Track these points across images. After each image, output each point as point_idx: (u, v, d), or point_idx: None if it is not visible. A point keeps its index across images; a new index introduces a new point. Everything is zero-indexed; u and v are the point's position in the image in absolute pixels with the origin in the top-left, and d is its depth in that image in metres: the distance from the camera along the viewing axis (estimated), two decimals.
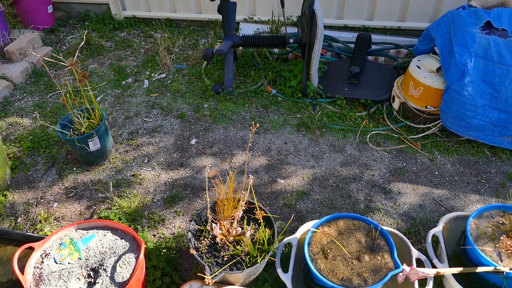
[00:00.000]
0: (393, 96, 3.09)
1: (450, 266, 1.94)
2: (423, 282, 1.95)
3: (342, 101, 3.21)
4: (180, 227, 2.40)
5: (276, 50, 3.83)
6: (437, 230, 2.09)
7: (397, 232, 2.06)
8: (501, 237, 1.80)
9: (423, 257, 1.97)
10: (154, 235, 2.37)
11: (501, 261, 1.80)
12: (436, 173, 2.69)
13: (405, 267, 1.12)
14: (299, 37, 3.26)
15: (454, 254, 2.07)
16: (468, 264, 1.93)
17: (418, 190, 2.58)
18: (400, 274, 1.12)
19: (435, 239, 2.16)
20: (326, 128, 3.03)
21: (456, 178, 2.65)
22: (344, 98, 3.22)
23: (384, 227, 1.99)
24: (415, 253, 1.98)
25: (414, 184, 2.62)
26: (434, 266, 1.99)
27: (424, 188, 2.59)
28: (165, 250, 2.25)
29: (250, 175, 1.82)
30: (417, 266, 1.75)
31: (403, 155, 2.81)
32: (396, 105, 3.07)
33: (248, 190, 1.82)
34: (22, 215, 2.55)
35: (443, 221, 2.14)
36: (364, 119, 3.07)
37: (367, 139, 2.93)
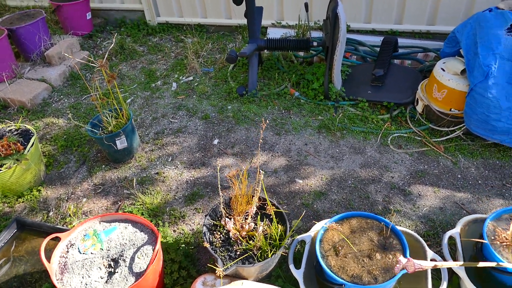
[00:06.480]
0: (417, 99, 3.06)
1: (467, 268, 1.91)
2: (437, 283, 1.94)
3: (365, 103, 3.21)
4: (199, 224, 2.49)
5: (301, 54, 3.87)
6: (455, 232, 2.06)
7: (412, 232, 2.05)
8: (497, 229, 1.76)
9: (438, 258, 1.95)
10: (174, 231, 2.46)
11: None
12: (459, 176, 2.64)
13: (401, 258, 1.13)
14: (323, 40, 3.29)
15: (471, 257, 2.03)
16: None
17: (439, 193, 2.54)
18: (397, 265, 1.13)
19: (452, 241, 2.13)
20: (347, 130, 3.04)
21: (479, 181, 2.59)
22: (366, 101, 3.22)
23: (399, 227, 1.99)
24: (430, 254, 1.96)
25: (435, 187, 2.58)
26: (448, 268, 1.96)
27: (446, 191, 2.55)
28: (183, 245, 2.33)
29: (262, 171, 1.87)
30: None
31: (425, 158, 2.78)
32: (419, 108, 3.04)
33: (260, 186, 1.88)
34: (54, 209, 2.72)
35: (461, 223, 2.10)
36: (386, 122, 3.05)
37: (389, 142, 2.91)
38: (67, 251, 2.00)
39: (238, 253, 1.93)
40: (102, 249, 2.00)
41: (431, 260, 1.95)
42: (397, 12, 3.91)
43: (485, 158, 2.73)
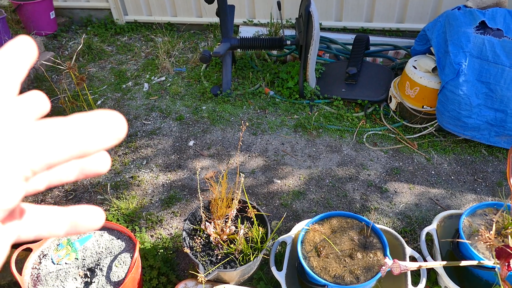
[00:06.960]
0: (390, 96, 3.11)
1: None
2: (416, 279, 1.97)
3: (339, 102, 3.23)
4: (177, 228, 2.43)
5: (274, 52, 3.86)
6: (431, 228, 2.09)
7: (391, 230, 2.07)
8: (480, 230, 1.80)
9: (416, 255, 1.98)
10: (151, 236, 2.40)
11: (494, 257, 1.81)
12: (433, 172, 2.69)
13: (387, 260, 1.14)
14: (296, 38, 3.28)
15: (448, 252, 2.07)
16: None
17: (414, 190, 2.58)
18: (383, 267, 1.14)
19: (429, 237, 2.17)
20: (323, 128, 3.05)
21: (452, 177, 2.65)
22: (341, 99, 3.24)
23: (378, 225, 2.01)
24: (409, 251, 1.99)
25: (410, 183, 2.62)
26: None
27: (420, 188, 2.60)
28: (162, 250, 2.28)
29: (242, 174, 1.84)
30: None
31: (400, 155, 2.82)
32: (393, 105, 3.08)
33: (240, 189, 1.85)
34: None
35: (437, 220, 2.14)
36: (361, 120, 3.08)
37: (364, 139, 2.94)
38: (40, 262, 1.91)
39: (219, 257, 1.90)
40: (77, 259, 1.92)
41: (410, 256, 1.98)
42: (367, 10, 3.96)
43: (457, 154, 2.80)
